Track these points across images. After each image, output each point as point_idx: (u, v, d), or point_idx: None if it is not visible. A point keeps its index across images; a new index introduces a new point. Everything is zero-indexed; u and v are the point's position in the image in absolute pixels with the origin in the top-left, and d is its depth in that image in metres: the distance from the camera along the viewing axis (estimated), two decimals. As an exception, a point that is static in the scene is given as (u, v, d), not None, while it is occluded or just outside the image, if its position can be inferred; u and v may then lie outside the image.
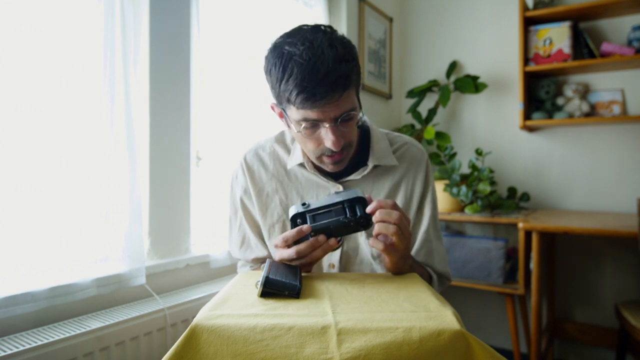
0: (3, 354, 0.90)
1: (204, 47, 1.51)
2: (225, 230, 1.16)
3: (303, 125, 0.85)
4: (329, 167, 0.93)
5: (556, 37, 2.26)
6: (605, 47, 2.18)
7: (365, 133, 1.04)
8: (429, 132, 2.36)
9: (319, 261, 0.92)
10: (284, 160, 1.04)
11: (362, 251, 0.99)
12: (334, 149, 0.86)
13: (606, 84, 2.33)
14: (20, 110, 1.07)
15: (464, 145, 2.70)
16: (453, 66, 2.63)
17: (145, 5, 1.33)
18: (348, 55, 0.81)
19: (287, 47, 0.80)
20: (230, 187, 1.10)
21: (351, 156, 0.95)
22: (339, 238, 0.80)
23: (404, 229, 0.78)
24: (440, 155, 2.40)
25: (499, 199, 2.30)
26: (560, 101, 2.35)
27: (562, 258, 2.42)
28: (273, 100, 0.91)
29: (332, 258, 0.99)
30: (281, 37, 0.85)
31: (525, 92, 2.30)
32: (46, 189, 1.12)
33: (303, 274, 0.81)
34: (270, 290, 0.68)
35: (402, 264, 0.84)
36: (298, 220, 0.80)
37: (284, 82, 0.80)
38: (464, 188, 2.17)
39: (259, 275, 0.79)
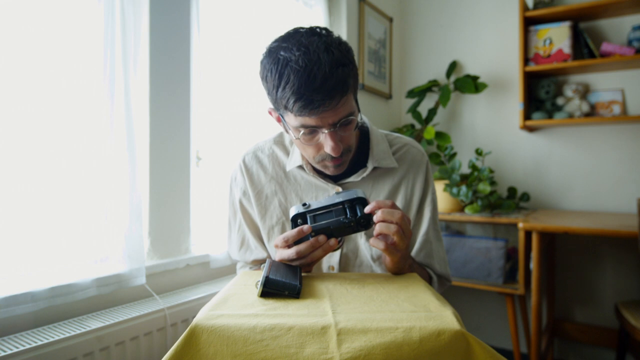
0: (3, 354, 0.90)
1: (204, 47, 1.51)
2: (225, 232, 1.16)
3: (302, 132, 0.84)
4: (329, 171, 0.93)
5: (556, 37, 2.26)
6: (605, 47, 2.18)
7: (364, 134, 1.03)
8: (429, 132, 2.36)
9: (318, 262, 0.92)
10: (283, 162, 1.04)
11: (361, 253, 0.99)
12: (333, 155, 0.85)
13: (606, 84, 2.33)
14: (20, 110, 1.07)
15: (464, 145, 2.70)
16: (453, 66, 2.63)
17: (145, 5, 1.33)
18: (345, 59, 0.79)
19: (282, 53, 0.78)
20: (229, 188, 1.10)
21: (350, 158, 0.95)
22: (339, 238, 0.80)
23: (405, 229, 0.78)
24: (440, 155, 2.40)
25: (499, 199, 2.30)
26: (560, 101, 2.35)
27: (562, 258, 2.42)
28: (270, 105, 0.90)
29: (332, 260, 0.99)
30: (276, 41, 0.83)
31: (525, 92, 2.30)
32: (46, 189, 1.12)
33: (303, 274, 0.81)
34: (270, 290, 0.68)
35: (403, 264, 0.84)
36: (299, 221, 0.80)
37: (280, 89, 0.79)
38: (464, 188, 2.17)
39: (259, 275, 0.79)
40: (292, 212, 0.81)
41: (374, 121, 2.52)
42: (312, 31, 0.81)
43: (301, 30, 0.82)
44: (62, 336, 1.00)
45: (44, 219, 1.11)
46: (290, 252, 0.78)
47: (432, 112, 2.55)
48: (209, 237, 1.55)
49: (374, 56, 2.54)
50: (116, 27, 1.20)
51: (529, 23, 2.32)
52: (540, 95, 2.38)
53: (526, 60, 2.31)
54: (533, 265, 1.90)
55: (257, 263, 1.07)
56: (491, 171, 2.22)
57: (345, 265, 0.99)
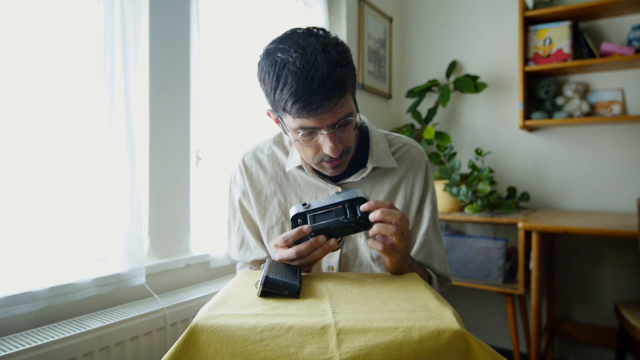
0: (3, 354, 0.90)
1: (204, 47, 1.51)
2: (225, 232, 1.16)
3: (300, 133, 0.84)
4: (328, 172, 0.93)
5: (556, 37, 2.26)
6: (605, 47, 2.18)
7: (364, 135, 1.03)
8: (429, 132, 2.36)
9: (318, 262, 0.92)
10: (283, 163, 1.04)
11: (361, 254, 0.98)
12: (332, 156, 0.85)
13: (606, 84, 2.33)
14: (21, 110, 1.07)
15: (464, 145, 2.70)
16: (453, 66, 2.63)
17: (145, 5, 1.33)
18: (342, 60, 0.79)
19: (280, 55, 0.78)
20: (229, 189, 1.10)
21: (350, 159, 0.95)
22: (339, 239, 0.80)
23: (404, 229, 0.78)
24: (440, 155, 2.40)
25: (499, 199, 2.30)
26: (560, 101, 2.35)
27: (562, 258, 2.42)
28: (269, 107, 0.89)
29: (332, 261, 0.99)
30: (273, 42, 0.83)
31: (525, 92, 2.30)
32: (46, 189, 1.12)
33: (303, 274, 0.81)
34: (270, 290, 0.68)
35: (403, 264, 0.84)
36: (299, 221, 0.80)
37: (278, 91, 0.78)
38: (464, 188, 2.17)
39: (259, 275, 0.79)
40: (293, 212, 0.81)
41: (374, 121, 2.52)
42: (310, 32, 0.81)
43: (298, 31, 0.82)
44: (62, 336, 1.00)
45: (44, 219, 1.11)
46: (290, 252, 0.78)
47: (432, 112, 2.55)
48: (209, 237, 1.55)
49: (374, 56, 2.54)
50: (116, 27, 1.20)
51: (529, 23, 2.32)
52: (540, 95, 2.38)
53: (526, 60, 2.31)
54: (533, 265, 1.90)
55: (257, 263, 1.07)
56: (491, 171, 2.22)
57: (345, 266, 0.99)
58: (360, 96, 2.42)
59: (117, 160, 1.20)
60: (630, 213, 2.23)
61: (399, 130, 2.62)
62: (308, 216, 0.80)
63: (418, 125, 2.70)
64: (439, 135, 2.39)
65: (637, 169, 2.26)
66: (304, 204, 0.81)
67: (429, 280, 1.02)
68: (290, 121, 0.83)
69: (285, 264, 0.79)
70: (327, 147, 0.84)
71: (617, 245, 2.28)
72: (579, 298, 2.39)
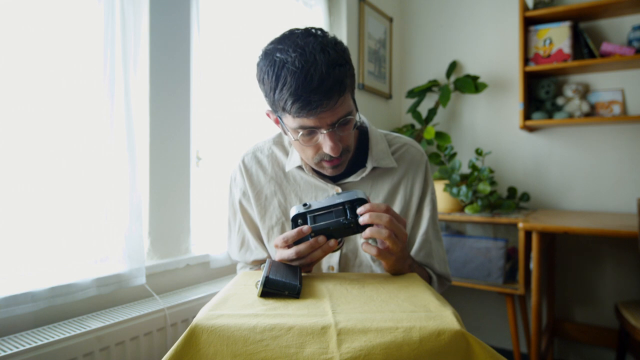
0: (3, 354, 0.90)
1: (204, 47, 1.51)
2: (225, 232, 1.16)
3: (300, 133, 0.84)
4: (328, 171, 0.93)
5: (556, 37, 2.26)
6: (605, 47, 2.18)
7: (363, 134, 1.03)
8: (429, 132, 2.36)
9: (318, 262, 0.92)
10: (282, 163, 1.04)
11: (361, 254, 0.98)
12: (332, 155, 0.85)
13: (606, 84, 2.33)
14: (20, 110, 1.07)
15: (464, 145, 2.70)
16: (453, 66, 2.63)
17: (145, 5, 1.33)
18: (341, 59, 0.79)
19: (278, 55, 0.78)
20: (229, 189, 1.10)
21: (349, 158, 0.95)
22: (339, 239, 0.80)
23: (398, 232, 0.77)
24: (440, 155, 2.40)
25: (499, 199, 2.30)
26: (560, 101, 2.35)
27: (562, 258, 2.42)
28: (268, 108, 0.89)
29: (331, 261, 0.99)
30: (271, 43, 0.83)
31: (525, 92, 2.30)
32: (46, 189, 1.12)
33: (303, 274, 0.81)
34: (270, 290, 0.68)
35: (400, 265, 0.84)
36: (299, 221, 0.80)
37: (277, 91, 0.79)
38: (464, 188, 2.17)
39: (259, 275, 0.79)
40: (293, 212, 0.81)
41: (374, 121, 2.52)
42: (308, 32, 0.81)
43: (296, 31, 0.82)
44: (62, 336, 1.00)
45: (44, 219, 1.11)
46: (290, 253, 0.78)
47: (432, 112, 2.55)
48: (209, 237, 1.55)
49: (373, 56, 2.54)
50: (116, 27, 1.20)
51: (529, 23, 2.32)
52: (540, 95, 2.38)
53: (526, 60, 2.31)
54: (533, 265, 1.90)
55: (257, 263, 1.07)
56: (491, 171, 2.22)
57: (345, 266, 0.99)
58: (360, 96, 2.42)
59: (117, 160, 1.20)
60: (630, 213, 2.23)
61: (399, 130, 2.62)
62: (308, 216, 0.80)
63: (418, 125, 2.70)
64: (439, 135, 2.39)
65: (637, 169, 2.26)
66: (304, 204, 0.81)
67: (428, 280, 1.02)
68: (290, 121, 0.83)
69: (285, 264, 0.79)
70: (326, 146, 0.84)
71: (617, 245, 2.28)
72: (579, 298, 2.39)
